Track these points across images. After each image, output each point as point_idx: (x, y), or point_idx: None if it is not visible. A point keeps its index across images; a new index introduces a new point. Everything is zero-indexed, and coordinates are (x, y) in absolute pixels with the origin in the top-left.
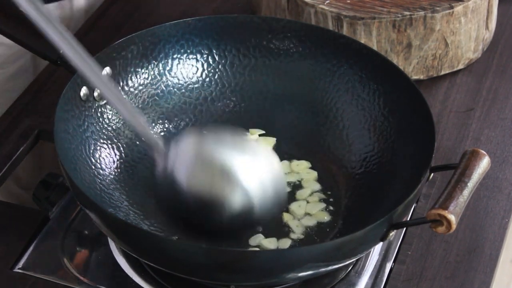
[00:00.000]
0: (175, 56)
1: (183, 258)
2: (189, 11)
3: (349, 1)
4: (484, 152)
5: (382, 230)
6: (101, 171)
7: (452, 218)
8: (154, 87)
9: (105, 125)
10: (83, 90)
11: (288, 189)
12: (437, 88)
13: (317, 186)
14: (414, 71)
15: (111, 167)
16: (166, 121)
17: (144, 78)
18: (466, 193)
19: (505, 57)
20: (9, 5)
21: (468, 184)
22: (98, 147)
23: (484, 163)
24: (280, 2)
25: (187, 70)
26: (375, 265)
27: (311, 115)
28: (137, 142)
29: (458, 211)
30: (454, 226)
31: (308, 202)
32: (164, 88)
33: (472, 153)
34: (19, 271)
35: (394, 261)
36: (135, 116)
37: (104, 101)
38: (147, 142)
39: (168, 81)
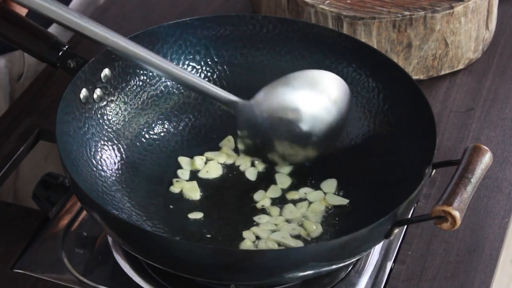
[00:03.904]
0: (173, 57)
1: (187, 258)
2: (188, 11)
3: (349, 1)
4: (486, 148)
5: (387, 227)
6: (102, 172)
7: (457, 214)
8: (153, 87)
9: (105, 127)
10: (83, 92)
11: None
12: (437, 88)
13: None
14: (414, 71)
15: (112, 168)
16: (165, 121)
17: (143, 79)
18: (469, 189)
19: (505, 57)
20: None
21: (472, 180)
22: (99, 149)
23: (486, 159)
24: (280, 2)
25: (186, 70)
26: (375, 265)
27: None
28: (137, 143)
29: (462, 207)
30: (458, 222)
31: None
32: (163, 89)
33: (474, 148)
34: (19, 271)
35: (394, 261)
36: (203, 83)
37: (104, 103)
38: (221, 102)
39: (167, 82)
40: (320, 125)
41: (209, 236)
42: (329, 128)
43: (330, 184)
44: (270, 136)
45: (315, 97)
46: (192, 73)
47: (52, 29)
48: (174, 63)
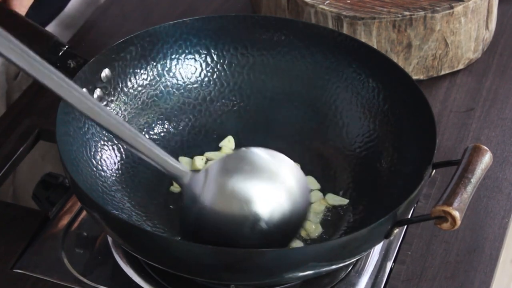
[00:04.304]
0: (173, 57)
1: (188, 259)
2: (188, 11)
3: (349, 1)
4: (486, 148)
5: (387, 228)
6: (102, 172)
7: (457, 214)
8: (153, 88)
9: None
10: None
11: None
12: (437, 88)
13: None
14: (414, 71)
15: (112, 168)
16: (165, 121)
17: (143, 79)
18: (469, 189)
19: (505, 57)
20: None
21: (472, 180)
22: (99, 149)
23: (486, 159)
24: (280, 2)
25: (185, 70)
26: (375, 265)
27: (311, 113)
28: None
29: (462, 207)
30: (458, 222)
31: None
32: (163, 89)
33: (474, 149)
34: (19, 271)
35: (394, 261)
36: (152, 150)
37: (104, 103)
38: (171, 174)
39: (167, 82)
40: (268, 218)
41: None
42: (279, 224)
43: (310, 181)
44: (211, 220)
45: (266, 186)
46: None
47: (52, 29)
48: (174, 63)
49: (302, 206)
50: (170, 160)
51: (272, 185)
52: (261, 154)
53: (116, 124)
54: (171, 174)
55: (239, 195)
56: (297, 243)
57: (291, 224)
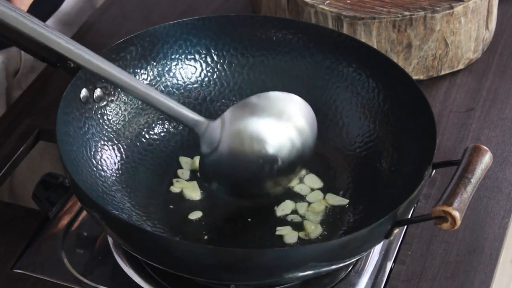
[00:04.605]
0: (173, 57)
1: (187, 258)
2: (188, 11)
3: (349, 1)
4: (486, 148)
5: (387, 228)
6: (102, 172)
7: (457, 214)
8: (153, 87)
9: (105, 127)
10: (83, 92)
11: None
12: (437, 88)
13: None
14: (414, 71)
15: (112, 168)
16: (165, 121)
17: (143, 79)
18: (469, 189)
19: (505, 57)
20: None
21: (472, 180)
22: (99, 149)
23: (486, 159)
24: (280, 2)
25: (185, 70)
26: (375, 265)
27: None
28: (137, 143)
29: (462, 207)
30: (458, 222)
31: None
32: (163, 89)
33: (474, 149)
34: (19, 271)
35: (394, 261)
36: (165, 101)
37: (104, 103)
38: (187, 124)
39: (167, 82)
40: (284, 155)
41: (209, 236)
42: (293, 159)
43: (312, 179)
44: (231, 164)
45: (281, 126)
46: (157, 89)
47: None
48: (174, 63)
49: (311, 138)
50: (185, 110)
51: (283, 123)
52: (270, 96)
53: (130, 82)
54: (187, 124)
55: (254, 135)
56: (294, 238)
57: (302, 157)
